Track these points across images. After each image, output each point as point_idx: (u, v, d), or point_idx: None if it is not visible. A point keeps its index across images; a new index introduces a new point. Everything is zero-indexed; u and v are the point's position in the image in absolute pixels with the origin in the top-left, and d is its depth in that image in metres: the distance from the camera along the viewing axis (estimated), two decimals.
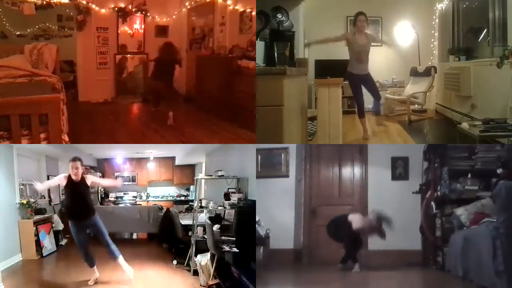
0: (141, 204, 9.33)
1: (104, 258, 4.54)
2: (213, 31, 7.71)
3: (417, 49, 8.52)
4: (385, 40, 8.46)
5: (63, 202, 4.52)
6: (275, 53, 3.92)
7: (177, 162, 10.09)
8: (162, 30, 8.89)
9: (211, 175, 5.44)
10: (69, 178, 4.19)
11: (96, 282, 4.31)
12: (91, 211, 4.26)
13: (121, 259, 4.33)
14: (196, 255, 4.64)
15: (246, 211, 4.52)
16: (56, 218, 6.42)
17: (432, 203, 4.75)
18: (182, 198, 10.20)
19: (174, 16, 8.94)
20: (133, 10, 8.34)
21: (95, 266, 4.35)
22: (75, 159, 4.19)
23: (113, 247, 4.28)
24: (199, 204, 5.21)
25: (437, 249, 4.67)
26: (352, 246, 4.64)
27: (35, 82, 4.07)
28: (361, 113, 6.13)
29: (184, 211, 7.82)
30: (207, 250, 4.40)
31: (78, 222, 4.22)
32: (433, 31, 8.61)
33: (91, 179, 4.34)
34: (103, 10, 8.06)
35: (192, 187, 9.86)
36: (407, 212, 5.08)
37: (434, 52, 8.63)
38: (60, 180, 4.31)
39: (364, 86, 6.11)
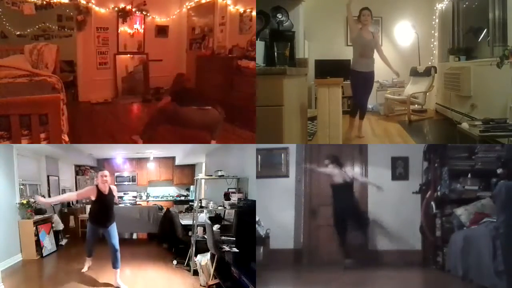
0: (141, 204, 9.33)
1: (106, 260, 4.55)
2: (213, 31, 7.70)
3: (417, 49, 8.52)
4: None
5: (91, 210, 4.80)
6: (275, 53, 3.93)
7: (177, 162, 10.08)
8: (162, 30, 8.92)
9: (211, 175, 5.44)
10: (98, 190, 4.47)
11: (89, 268, 4.80)
12: (113, 219, 4.56)
13: (118, 272, 4.36)
14: (196, 255, 4.64)
15: (246, 211, 4.51)
16: (56, 218, 6.42)
17: (432, 203, 4.74)
18: (182, 198, 10.19)
19: (174, 16, 8.94)
20: (133, 10, 8.34)
21: (92, 257, 4.83)
22: (102, 170, 4.66)
23: (119, 256, 4.35)
24: (199, 204, 5.21)
25: (437, 249, 4.66)
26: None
27: (35, 82, 4.06)
28: (359, 114, 6.06)
29: (184, 211, 7.83)
30: (207, 250, 4.40)
31: (100, 227, 4.56)
32: (433, 31, 8.62)
33: (115, 189, 4.68)
34: (103, 10, 8.06)
35: (192, 187, 9.85)
36: (407, 212, 5.08)
37: (434, 52, 8.64)
38: (88, 192, 4.65)
39: (365, 84, 6.05)
